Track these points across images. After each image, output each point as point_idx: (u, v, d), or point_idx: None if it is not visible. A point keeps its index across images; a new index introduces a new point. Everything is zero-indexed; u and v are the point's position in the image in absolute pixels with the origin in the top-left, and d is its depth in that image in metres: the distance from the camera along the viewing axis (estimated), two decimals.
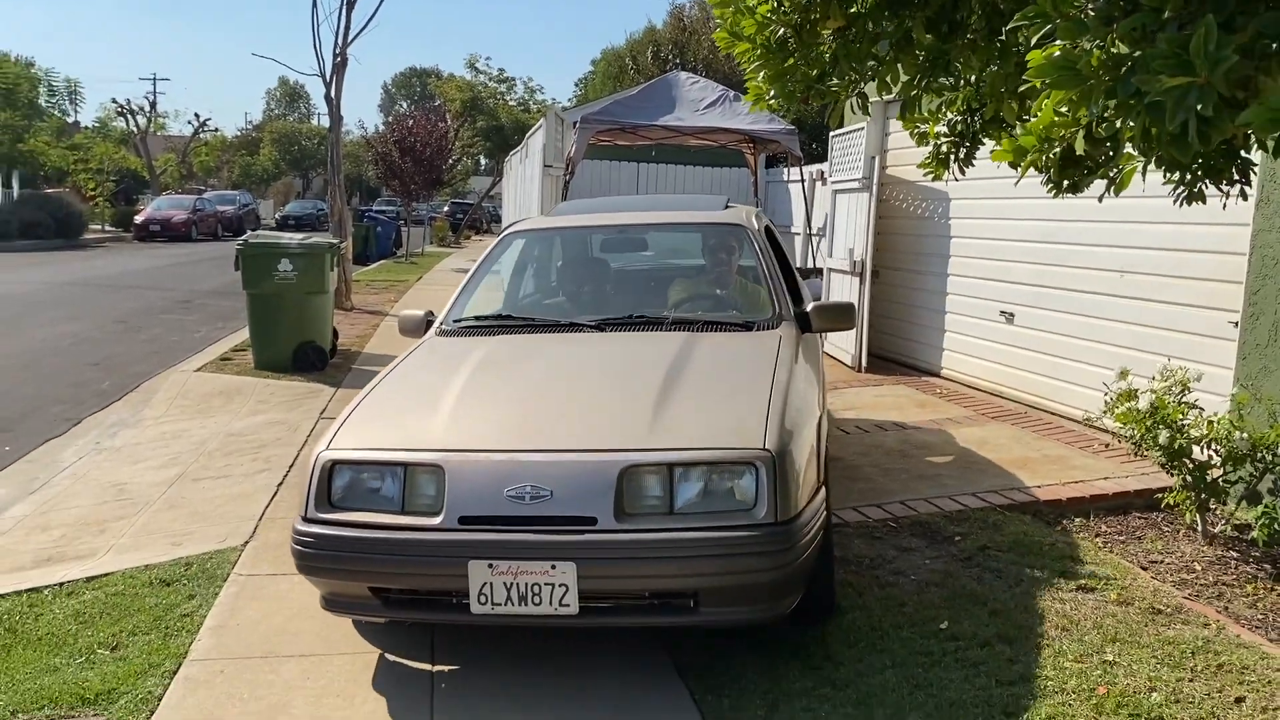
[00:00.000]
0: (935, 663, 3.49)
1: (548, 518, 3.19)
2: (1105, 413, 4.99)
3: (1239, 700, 3.24)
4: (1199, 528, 4.90)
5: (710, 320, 4.57)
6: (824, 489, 3.60)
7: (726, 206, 5.63)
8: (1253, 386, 5.16)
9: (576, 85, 45.05)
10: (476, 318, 4.89)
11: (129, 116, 48.79)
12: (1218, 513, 4.95)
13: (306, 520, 3.42)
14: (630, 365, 4.06)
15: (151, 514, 5.52)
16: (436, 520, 3.25)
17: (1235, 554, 4.69)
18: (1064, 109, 2.05)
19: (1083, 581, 4.23)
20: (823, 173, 12.01)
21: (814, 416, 3.76)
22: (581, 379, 4.00)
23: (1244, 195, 2.93)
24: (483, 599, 3.19)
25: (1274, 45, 1.72)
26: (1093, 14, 1.75)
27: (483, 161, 50.62)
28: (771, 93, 3.04)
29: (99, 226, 36.33)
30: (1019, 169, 2.54)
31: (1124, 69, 1.68)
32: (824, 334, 4.67)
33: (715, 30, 3.26)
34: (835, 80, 2.99)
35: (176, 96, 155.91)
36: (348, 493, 3.45)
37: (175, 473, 6.35)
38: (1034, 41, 1.94)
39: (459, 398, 3.75)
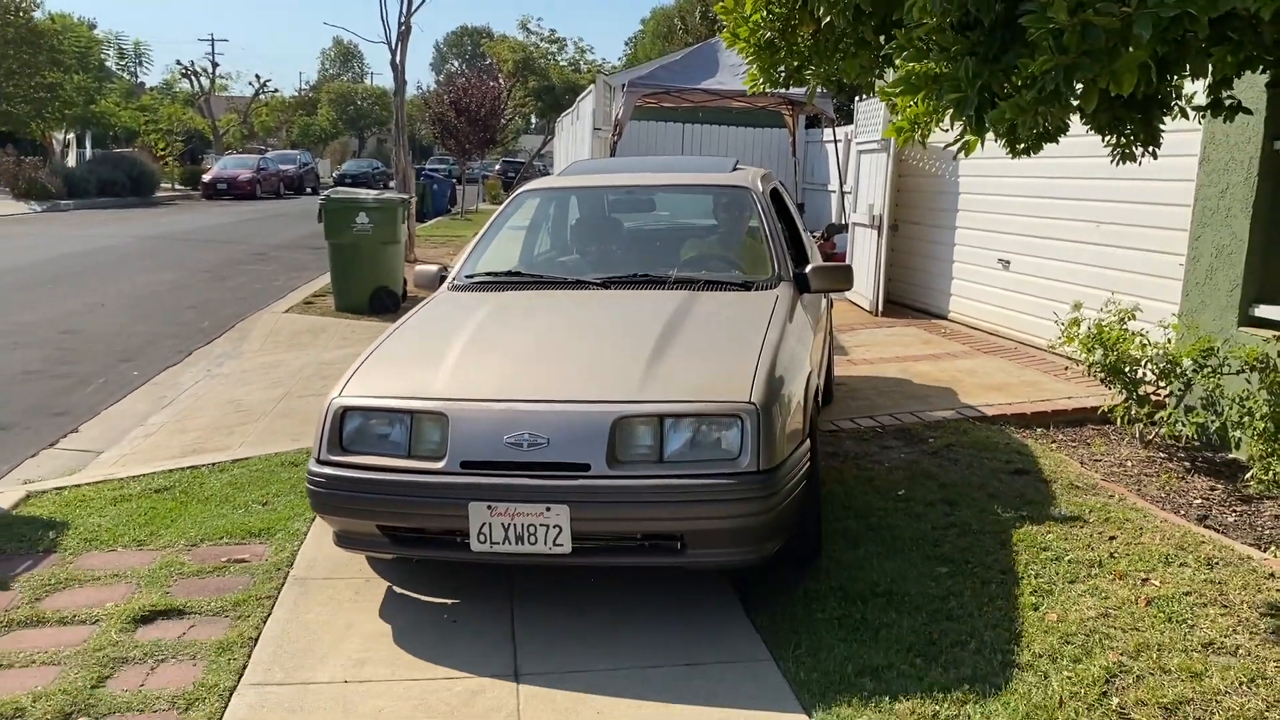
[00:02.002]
0: (888, 514, 4.56)
1: (544, 464, 3.38)
2: (1060, 339, 5.97)
3: (1111, 538, 4.28)
4: (1138, 436, 5.88)
5: (710, 280, 4.72)
6: (809, 440, 3.79)
7: (734, 169, 5.79)
8: (1190, 319, 6.09)
9: (626, 44, 45.84)
10: (487, 273, 5.04)
11: (193, 78, 50.41)
12: (1163, 430, 5.88)
13: (320, 462, 3.63)
14: (629, 322, 4.25)
15: (268, 421, 6.70)
16: (440, 465, 3.46)
17: (1164, 455, 5.66)
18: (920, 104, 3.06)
19: (1020, 467, 5.26)
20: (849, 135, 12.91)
21: (803, 373, 3.94)
22: (581, 334, 4.21)
23: (1154, 155, 3.80)
24: (482, 538, 3.38)
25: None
26: (930, 46, 2.75)
27: (533, 120, 51.61)
28: (761, 79, 4.05)
29: (169, 185, 37.93)
30: (898, 142, 3.56)
31: (943, 82, 2.68)
32: (835, 289, 4.97)
33: (721, 31, 4.27)
34: (810, 70, 3.99)
35: (235, 58, 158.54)
36: (357, 437, 3.65)
37: (281, 392, 7.54)
38: (897, 61, 2.95)
39: (464, 350, 3.94)
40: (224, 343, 9.72)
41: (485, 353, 3.97)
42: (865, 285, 10.66)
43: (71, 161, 34.94)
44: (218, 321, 10.71)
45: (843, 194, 14.05)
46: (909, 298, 10.66)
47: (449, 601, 3.81)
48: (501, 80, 33.89)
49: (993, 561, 4.06)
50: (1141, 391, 5.70)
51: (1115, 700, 3.10)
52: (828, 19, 3.72)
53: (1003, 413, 6.38)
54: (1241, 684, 3.17)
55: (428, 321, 4.50)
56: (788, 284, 4.72)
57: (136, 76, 53.09)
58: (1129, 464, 5.53)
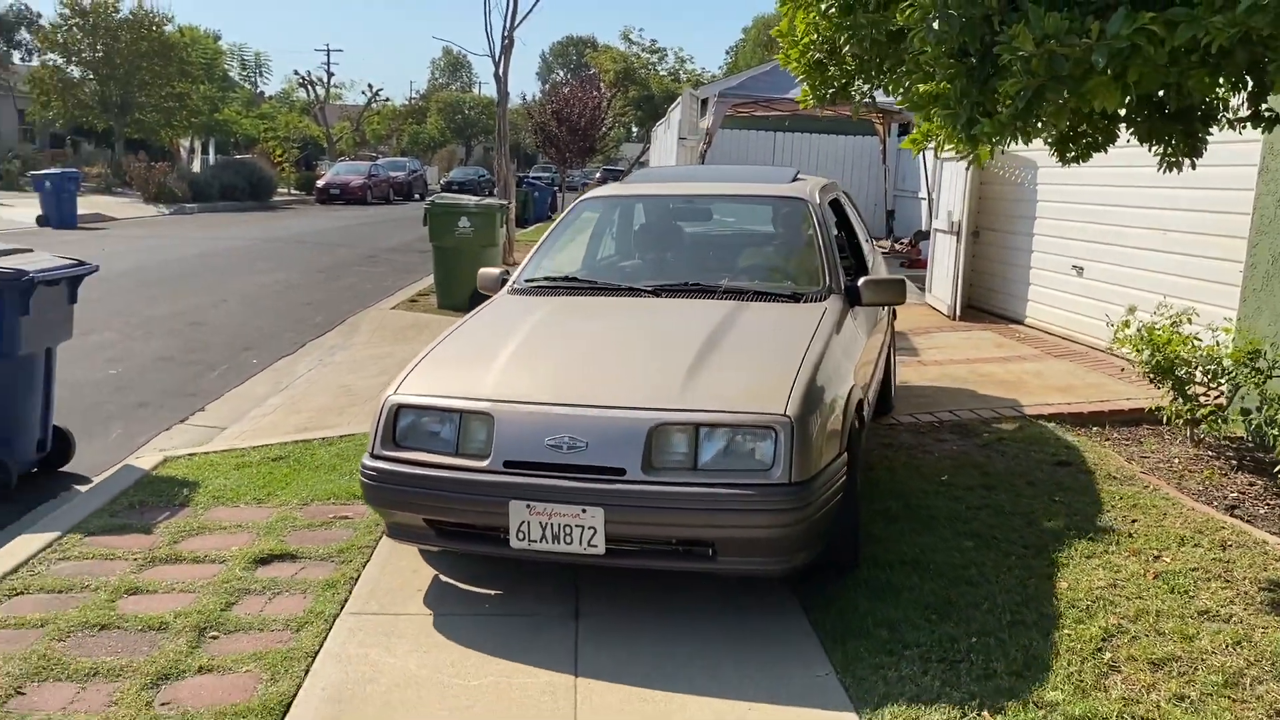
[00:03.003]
0: (928, 496, 4.93)
1: (582, 466, 3.49)
2: (1113, 342, 6.22)
3: (1134, 521, 4.58)
4: (1190, 435, 6.09)
5: (760, 290, 4.75)
6: (845, 454, 3.81)
7: (794, 179, 5.77)
8: (1247, 324, 6.27)
9: (727, 53, 46.25)
10: (545, 278, 5.13)
11: (309, 87, 52.57)
12: (1204, 428, 6.07)
13: (373, 456, 3.80)
14: (675, 330, 4.30)
15: (373, 405, 7.35)
16: (484, 463, 3.59)
17: (1212, 454, 5.87)
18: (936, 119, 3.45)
19: (1065, 460, 5.56)
20: None
21: (844, 387, 3.97)
22: (627, 341, 4.29)
23: (1193, 165, 4.10)
24: (520, 535, 3.51)
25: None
26: (933, 70, 3.15)
27: (634, 130, 52.41)
28: (811, 96, 4.48)
29: (285, 190, 39.69)
30: (914, 153, 3.95)
31: (939, 101, 3.09)
32: (887, 303, 4.97)
33: (777, 54, 4.71)
34: (854, 87, 4.40)
35: (349, 67, 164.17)
36: (409, 433, 3.80)
37: (385, 380, 8.15)
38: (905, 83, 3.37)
39: (514, 353, 4.06)
40: (335, 336, 10.48)
41: (533, 356, 4.08)
42: (944, 290, 10.91)
43: (196, 167, 36.92)
44: (330, 316, 11.50)
45: (930, 201, 14.29)
46: (988, 303, 10.87)
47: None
48: (603, 90, 34.65)
49: (1017, 538, 4.41)
50: (1190, 391, 5.92)
51: (1108, 655, 3.44)
52: (847, 49, 4.12)
53: (1060, 411, 6.64)
54: (1228, 646, 3.48)
55: (483, 324, 4.62)
56: (838, 296, 4.72)
57: (257, 86, 55.68)
58: (1175, 461, 5.76)
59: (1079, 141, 4.90)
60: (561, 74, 74.08)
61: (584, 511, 3.44)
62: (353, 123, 55.69)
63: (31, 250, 5.57)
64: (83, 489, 5.38)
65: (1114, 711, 3.10)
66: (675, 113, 15.22)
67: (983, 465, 5.45)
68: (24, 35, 43.48)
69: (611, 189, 6.28)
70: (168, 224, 24.57)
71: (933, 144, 3.88)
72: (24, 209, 23.40)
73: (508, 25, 15.88)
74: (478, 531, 3.70)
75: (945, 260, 11.02)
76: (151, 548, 4.38)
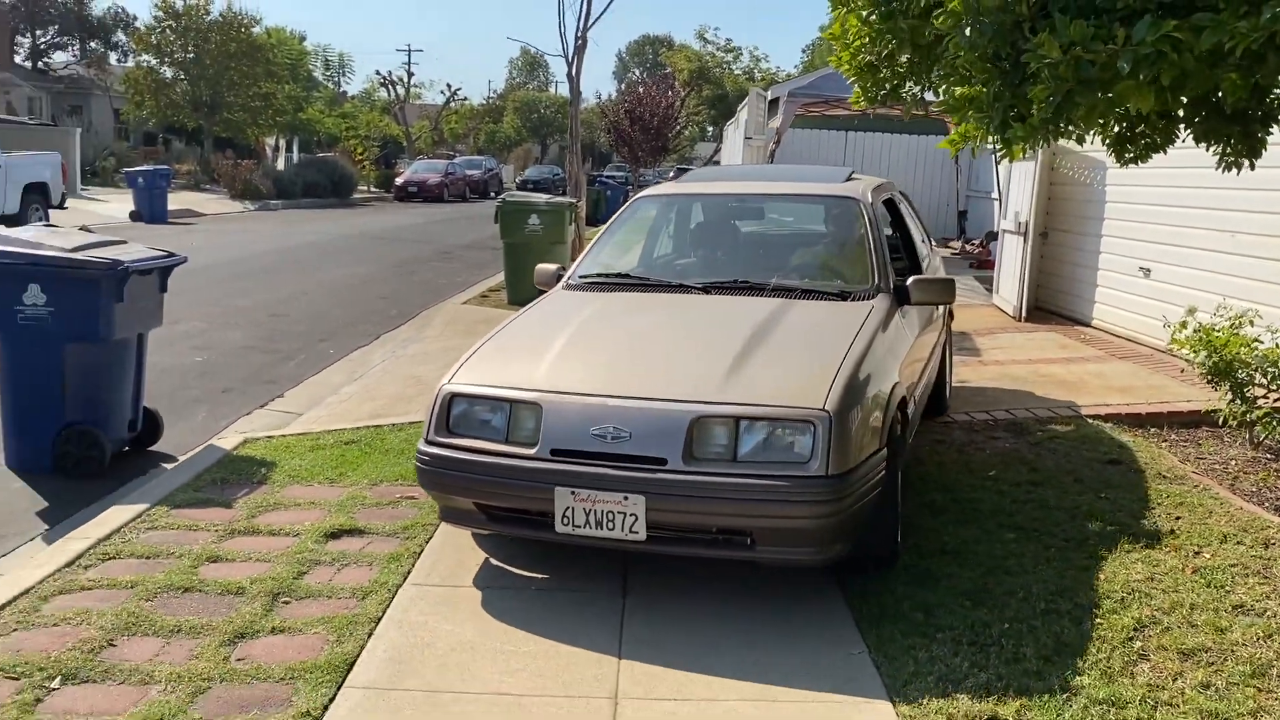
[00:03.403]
0: (974, 491, 5.03)
1: (624, 455, 3.63)
2: (1171, 343, 6.22)
3: (1178, 518, 4.63)
4: (1249, 438, 6.06)
5: (807, 288, 4.82)
6: (887, 449, 3.90)
7: (848, 179, 5.79)
8: None
9: (803, 52, 46.09)
10: (599, 274, 5.26)
11: (389, 87, 53.64)
12: (1258, 429, 6.03)
13: (428, 442, 3.98)
14: (720, 326, 4.41)
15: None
16: (532, 451, 3.75)
17: (1270, 456, 5.85)
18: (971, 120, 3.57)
19: (1116, 458, 5.60)
20: None
21: (886, 384, 4.06)
22: (673, 336, 4.41)
23: (1251, 165, 4.15)
24: (565, 521, 3.66)
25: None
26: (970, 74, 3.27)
27: (709, 129, 52.51)
28: (864, 97, 4.62)
29: (365, 188, 40.60)
30: (951, 153, 4.06)
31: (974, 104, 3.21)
32: (936, 302, 5.08)
33: (830, 56, 4.85)
34: (906, 89, 4.53)
35: (430, 67, 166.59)
36: (462, 421, 3.97)
37: None
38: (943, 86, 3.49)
39: (564, 346, 4.21)
40: (408, 328, 10.83)
41: (582, 349, 4.22)
42: (1010, 291, 10.88)
43: (281, 165, 37.99)
44: (404, 310, 11.86)
45: (1000, 201, 14.20)
46: (1055, 304, 10.81)
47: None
48: (677, 89, 34.84)
49: (1059, 531, 4.49)
50: (1249, 394, 5.89)
51: (1138, 644, 3.53)
52: (888, 51, 4.24)
53: (1117, 412, 6.64)
54: (1259, 638, 3.55)
55: (537, 318, 4.78)
56: (886, 295, 4.76)
57: (340, 86, 57.04)
58: (1232, 463, 5.75)
59: (1137, 142, 4.96)
60: (637, 73, 74.44)
61: (626, 499, 3.58)
62: (431, 122, 56.67)
63: (126, 242, 5.94)
64: (169, 466, 5.73)
65: (1138, 696, 3.20)
66: (743, 112, 15.32)
67: (1032, 462, 5.52)
68: (120, 37, 45.21)
69: (667, 188, 6.40)
70: (253, 220, 25.38)
71: (970, 144, 3.99)
72: (118, 204, 24.37)
73: (581, 25, 16.13)
74: (525, 516, 3.84)
75: (1012, 261, 10.98)
76: (231, 520, 4.68)
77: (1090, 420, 6.47)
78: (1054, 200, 10.79)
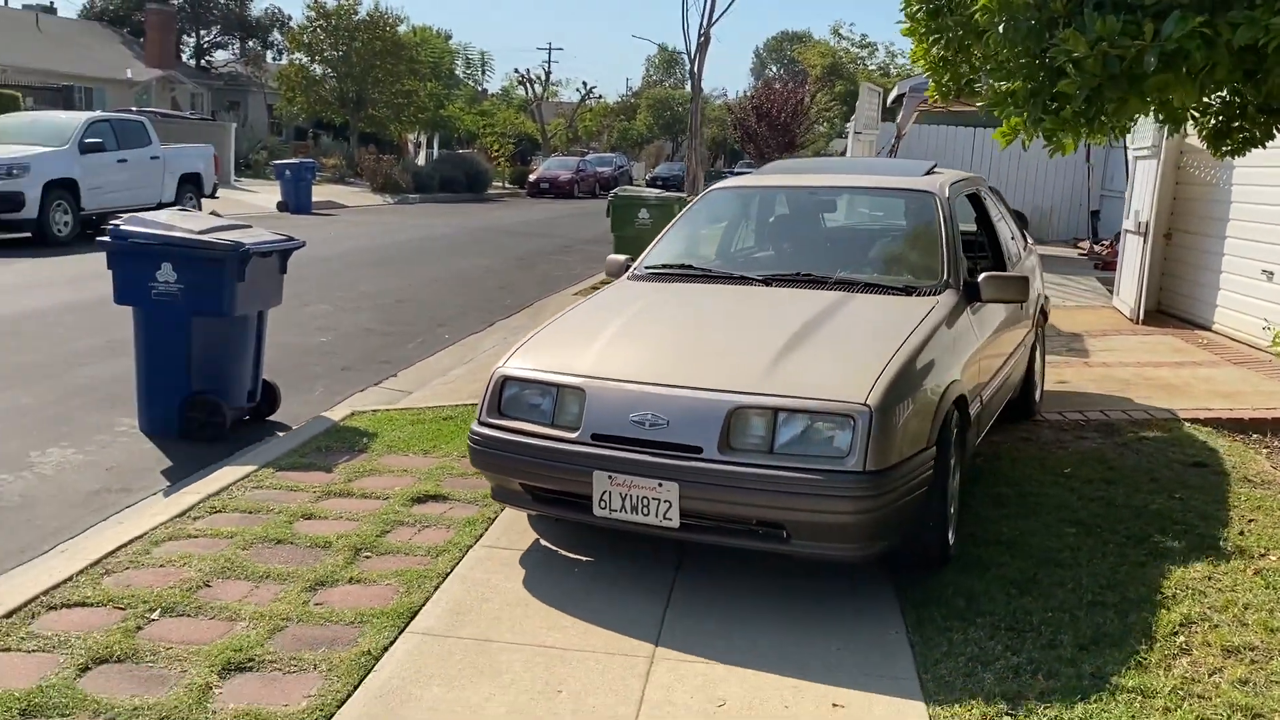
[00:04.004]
0: (1043, 486, 5.03)
1: (661, 443, 3.69)
2: (1272, 344, 6.03)
3: (1251, 521, 4.54)
4: None
5: (870, 282, 4.76)
6: (932, 448, 3.84)
7: (928, 172, 5.65)
8: None
9: None
10: (663, 265, 5.30)
11: (528, 85, 54.86)
12: None
13: (480, 423, 4.13)
14: (774, 318, 4.42)
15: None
16: (574, 435, 3.84)
17: None
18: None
19: (1202, 461, 5.48)
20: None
21: (940, 382, 4.02)
22: (724, 326, 4.46)
23: None
24: (602, 504, 3.75)
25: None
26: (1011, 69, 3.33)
27: (844, 125, 51.90)
28: (936, 91, 4.67)
29: (499, 183, 41.70)
30: (1001, 146, 4.08)
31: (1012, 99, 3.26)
32: (1008, 300, 4.85)
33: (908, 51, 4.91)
34: (979, 84, 4.57)
35: (568, 65, 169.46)
36: (512, 404, 4.10)
37: None
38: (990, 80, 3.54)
39: (614, 334, 4.30)
40: (521, 317, 11.23)
41: (631, 338, 4.31)
42: (1129, 293, 10.58)
43: (421, 160, 39.37)
44: (519, 300, 12.29)
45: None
46: (1177, 307, 10.47)
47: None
48: (809, 85, 34.64)
49: (1121, 528, 4.47)
50: None
51: (1181, 639, 3.53)
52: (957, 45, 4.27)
53: (1217, 416, 6.47)
54: None
55: (595, 306, 4.87)
56: (954, 292, 4.67)
57: (480, 84, 58.57)
58: None
59: (1234, 136, 4.89)
60: (774, 69, 74.07)
61: (660, 485, 3.64)
62: (566, 119, 57.68)
63: (251, 226, 6.44)
64: (282, 435, 6.19)
65: (1169, 687, 3.21)
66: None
67: (1111, 461, 5.46)
68: (276, 36, 47.56)
69: (741, 180, 6.39)
70: (390, 212, 26.43)
71: (1020, 137, 4.01)
72: (267, 195, 25.73)
73: (704, 22, 16.34)
74: (567, 498, 3.93)
75: (1132, 262, 10.67)
76: (329, 483, 5.06)
77: (1187, 424, 6.32)
78: (1180, 200, 10.44)
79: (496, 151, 43.21)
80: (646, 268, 5.32)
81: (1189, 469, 5.37)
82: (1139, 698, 3.16)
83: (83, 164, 15.39)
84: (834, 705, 3.16)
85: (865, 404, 3.60)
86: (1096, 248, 16.09)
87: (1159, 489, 5.01)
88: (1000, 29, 2.99)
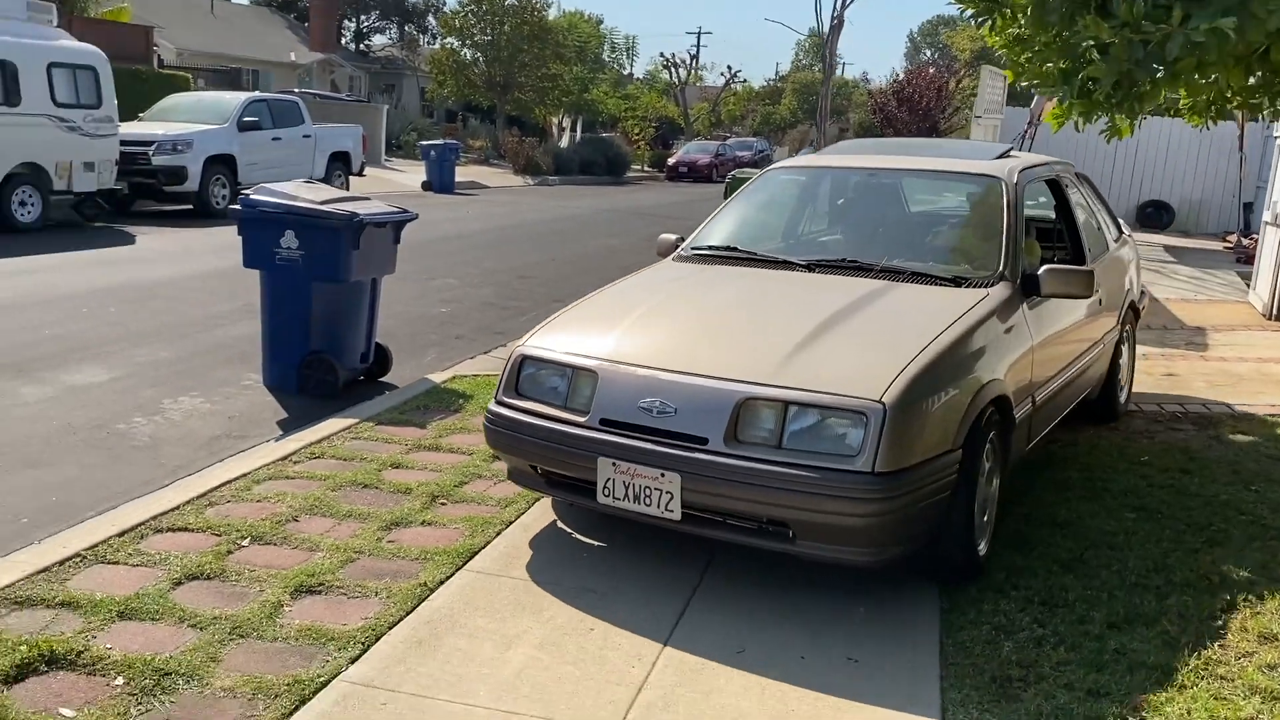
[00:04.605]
0: (1114, 473, 5.01)
1: (666, 431, 3.58)
2: None
3: None
4: None
5: (917, 271, 4.50)
6: (958, 451, 3.61)
7: (1000, 156, 5.27)
8: None
9: None
10: (709, 247, 5.08)
11: (672, 69, 55.09)
12: None
13: (497, 402, 4.07)
14: (804, 306, 4.22)
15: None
16: (584, 418, 3.75)
17: None
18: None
19: None
20: None
21: (974, 380, 3.78)
22: (752, 313, 4.28)
23: None
24: (606, 491, 3.66)
25: None
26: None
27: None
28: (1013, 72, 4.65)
29: (639, 167, 42.07)
30: (1055, 125, 4.04)
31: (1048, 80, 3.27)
32: (1069, 295, 4.49)
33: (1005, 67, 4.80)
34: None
35: (716, 49, 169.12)
36: (530, 384, 4.03)
37: None
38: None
39: (638, 317, 4.18)
40: None
41: (654, 321, 4.16)
42: (1264, 287, 10.12)
43: (564, 143, 40.09)
44: None
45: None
46: None
47: None
48: (958, 70, 33.78)
49: (1183, 516, 4.43)
50: None
51: (1218, 624, 3.53)
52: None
53: None
54: None
55: (627, 287, 4.72)
56: (1008, 284, 4.37)
57: (625, 68, 59.14)
58: None
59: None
60: (928, 54, 72.23)
61: (663, 475, 3.53)
62: (710, 104, 57.68)
63: (369, 199, 6.88)
64: (388, 394, 6.62)
65: (1192, 667, 3.24)
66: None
67: (1195, 452, 5.36)
68: (431, 21, 49.17)
69: (801, 160, 6.19)
70: (529, 193, 27.13)
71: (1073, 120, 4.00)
72: (413, 175, 26.74)
73: (838, 5, 16.22)
74: (575, 483, 3.85)
75: (1270, 255, 10.18)
76: (420, 438, 5.44)
77: None
78: None
79: (637, 135, 43.61)
80: (692, 249, 5.13)
81: (1276, 463, 5.22)
82: (1157, 673, 3.20)
83: (240, 141, 16.42)
84: (848, 659, 3.31)
85: (879, 401, 3.42)
86: (1245, 241, 15.32)
87: (1237, 480, 4.91)
88: (1029, 11, 3.02)
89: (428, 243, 14.42)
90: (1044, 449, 5.02)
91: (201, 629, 3.29)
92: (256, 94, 19.14)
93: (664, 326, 4.16)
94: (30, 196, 13.01)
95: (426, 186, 24.55)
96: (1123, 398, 6.23)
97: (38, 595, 3.44)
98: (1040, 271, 4.45)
